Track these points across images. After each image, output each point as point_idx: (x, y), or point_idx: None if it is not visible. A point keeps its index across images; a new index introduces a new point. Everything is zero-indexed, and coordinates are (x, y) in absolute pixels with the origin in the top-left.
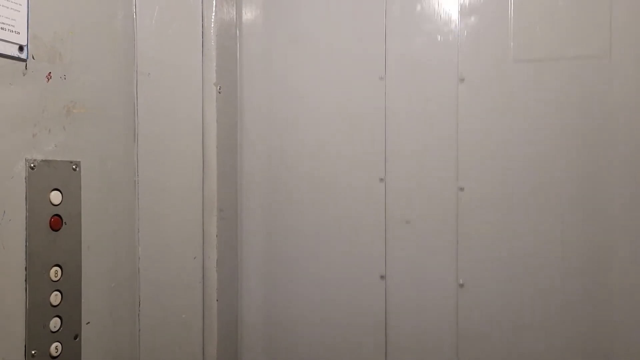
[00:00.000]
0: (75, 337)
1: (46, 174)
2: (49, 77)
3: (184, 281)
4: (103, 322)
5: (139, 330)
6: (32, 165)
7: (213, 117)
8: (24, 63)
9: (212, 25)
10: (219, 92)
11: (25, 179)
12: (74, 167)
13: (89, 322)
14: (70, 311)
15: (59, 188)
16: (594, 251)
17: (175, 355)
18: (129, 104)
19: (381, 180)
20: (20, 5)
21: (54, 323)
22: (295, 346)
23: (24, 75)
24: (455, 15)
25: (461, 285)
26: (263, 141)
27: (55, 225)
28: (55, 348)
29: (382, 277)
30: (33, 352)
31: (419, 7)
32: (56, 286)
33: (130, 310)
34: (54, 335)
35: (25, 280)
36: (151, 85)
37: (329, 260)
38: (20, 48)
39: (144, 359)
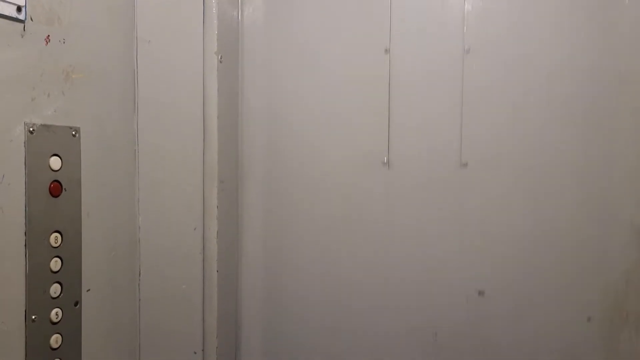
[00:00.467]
0: (76, 304)
1: (45, 139)
2: (48, 40)
3: (184, 252)
4: (103, 290)
5: (139, 300)
6: (31, 129)
7: (214, 87)
8: (22, 24)
9: None
10: (220, 62)
11: (24, 143)
12: (73, 133)
13: (89, 290)
14: (71, 278)
15: (58, 154)
16: None
17: (175, 325)
18: (129, 71)
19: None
20: None
21: (54, 289)
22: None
23: (22, 37)
24: None
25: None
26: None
27: (55, 191)
28: (55, 314)
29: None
30: (33, 317)
31: None
32: (56, 252)
33: (131, 280)
34: (55, 301)
35: (25, 245)
36: (151, 53)
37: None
38: (19, 9)
39: (144, 328)
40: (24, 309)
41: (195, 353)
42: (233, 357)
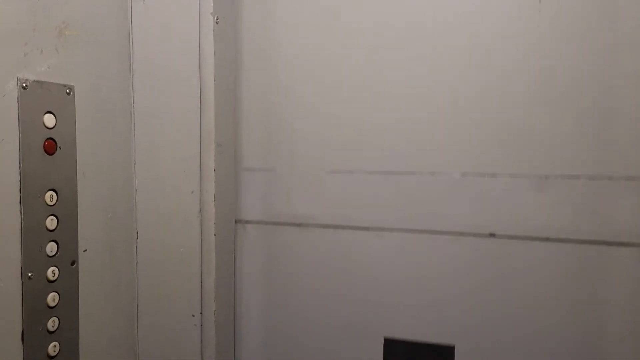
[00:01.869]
0: (72, 264)
1: (39, 96)
2: None
3: (182, 215)
4: (100, 252)
5: (137, 262)
6: (24, 84)
7: (210, 49)
8: None
9: None
10: (217, 23)
11: (17, 98)
12: (67, 91)
13: (86, 250)
14: (67, 237)
15: (52, 111)
16: None
17: (173, 288)
18: (124, 31)
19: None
20: None
21: (50, 247)
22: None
23: None
24: None
25: None
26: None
27: (49, 149)
28: (52, 272)
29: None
30: (29, 274)
31: None
32: (52, 211)
33: (128, 242)
34: (51, 260)
35: (20, 202)
36: (146, 12)
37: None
38: None
39: (142, 290)
40: (19, 266)
41: (193, 316)
42: (231, 320)
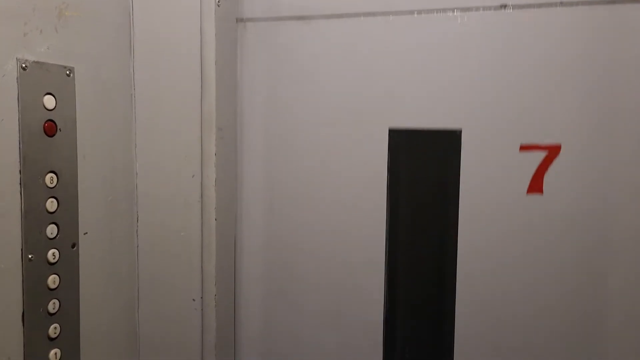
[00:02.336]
0: (73, 246)
1: (39, 77)
2: None
3: (182, 199)
4: (101, 235)
5: (137, 246)
6: (23, 65)
7: (211, 31)
8: None
9: None
10: (218, 5)
11: (17, 79)
12: (67, 72)
13: (86, 233)
14: (67, 219)
15: (52, 92)
16: None
17: (174, 272)
18: (124, 13)
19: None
20: None
21: (51, 229)
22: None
23: None
24: None
25: None
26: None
27: (49, 131)
28: (52, 254)
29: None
30: (30, 256)
31: None
32: (52, 193)
33: (128, 226)
34: (51, 242)
35: (20, 184)
36: None
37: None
38: None
39: (142, 275)
40: (20, 248)
41: (194, 300)
42: (232, 305)
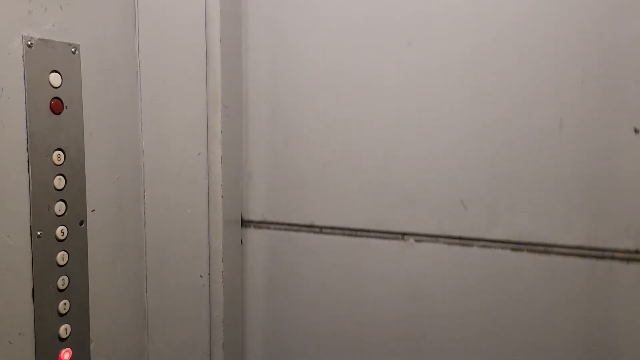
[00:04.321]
0: (81, 223)
1: (44, 54)
2: None
3: (189, 176)
4: (108, 212)
5: (145, 224)
6: (29, 42)
7: (216, 8)
8: None
9: None
10: None
11: (23, 57)
12: (73, 50)
13: (94, 210)
14: (75, 196)
15: (58, 70)
16: None
17: (181, 248)
18: None
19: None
20: None
21: (59, 207)
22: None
23: None
24: None
25: None
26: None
27: (56, 108)
28: (61, 231)
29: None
30: (38, 233)
31: None
32: (59, 170)
33: (135, 203)
34: (60, 219)
35: (28, 161)
36: None
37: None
38: None
39: (150, 251)
40: (29, 225)
41: (201, 276)
42: (240, 281)
